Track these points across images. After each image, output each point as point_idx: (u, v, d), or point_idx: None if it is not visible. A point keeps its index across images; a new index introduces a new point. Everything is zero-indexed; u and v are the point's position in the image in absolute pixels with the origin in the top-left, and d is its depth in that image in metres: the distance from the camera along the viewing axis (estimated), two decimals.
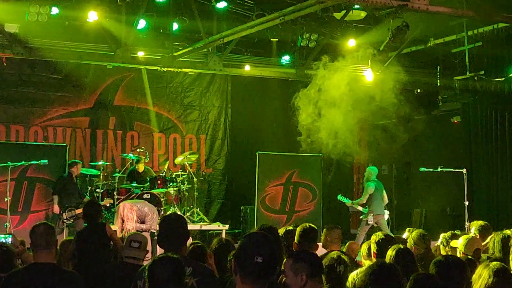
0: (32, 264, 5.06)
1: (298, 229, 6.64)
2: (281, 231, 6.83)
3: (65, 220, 12.87)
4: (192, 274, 4.89)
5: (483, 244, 7.56)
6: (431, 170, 13.48)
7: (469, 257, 6.11)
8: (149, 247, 11.80)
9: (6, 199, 12.54)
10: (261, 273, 3.39)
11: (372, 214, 13.50)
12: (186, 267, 4.90)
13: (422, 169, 13.73)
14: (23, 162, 12.98)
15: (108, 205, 13.82)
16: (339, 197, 14.31)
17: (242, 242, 3.51)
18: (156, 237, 12.03)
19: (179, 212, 13.99)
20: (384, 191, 14.03)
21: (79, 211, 12.82)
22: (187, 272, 4.90)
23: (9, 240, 6.31)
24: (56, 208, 13.13)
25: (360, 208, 13.87)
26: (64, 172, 13.51)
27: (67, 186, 13.29)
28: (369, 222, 13.45)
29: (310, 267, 4.13)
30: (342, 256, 5.15)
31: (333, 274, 4.98)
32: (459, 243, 6.67)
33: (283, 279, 4.19)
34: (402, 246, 5.59)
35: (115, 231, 12.21)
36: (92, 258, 6.82)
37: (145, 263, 5.96)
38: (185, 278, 4.15)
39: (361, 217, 13.77)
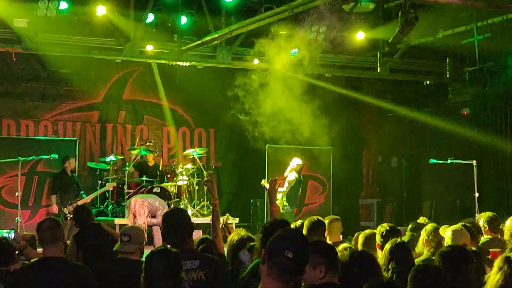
0: (41, 259, 5.15)
1: (306, 223, 6.66)
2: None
3: (68, 215, 12.91)
4: (200, 266, 4.89)
5: (489, 237, 7.53)
6: (440, 162, 13.41)
7: (473, 249, 6.03)
8: (158, 240, 11.95)
9: (16, 194, 12.59)
10: (288, 269, 3.29)
11: (289, 205, 13.45)
12: (193, 260, 4.91)
13: (432, 161, 13.67)
14: (33, 157, 13.02)
15: (111, 188, 13.86)
16: (263, 182, 14.36)
17: (276, 234, 3.44)
18: None
19: (188, 206, 14.04)
20: (301, 186, 13.99)
21: (81, 202, 12.90)
22: (195, 265, 4.91)
23: (12, 235, 6.35)
24: (55, 208, 13.25)
25: (279, 196, 13.88)
26: (60, 169, 13.54)
27: (64, 182, 13.40)
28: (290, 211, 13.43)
29: (328, 259, 4.02)
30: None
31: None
32: (446, 235, 6.37)
33: None
34: (399, 240, 5.54)
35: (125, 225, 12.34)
36: (96, 254, 6.84)
37: None
38: (181, 272, 4.12)
39: (282, 211, 13.69)
